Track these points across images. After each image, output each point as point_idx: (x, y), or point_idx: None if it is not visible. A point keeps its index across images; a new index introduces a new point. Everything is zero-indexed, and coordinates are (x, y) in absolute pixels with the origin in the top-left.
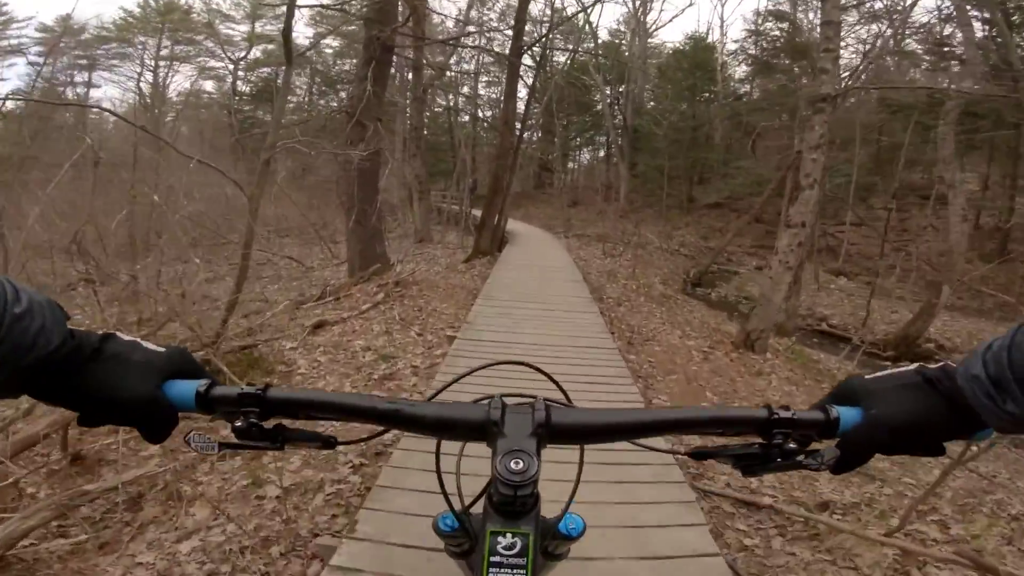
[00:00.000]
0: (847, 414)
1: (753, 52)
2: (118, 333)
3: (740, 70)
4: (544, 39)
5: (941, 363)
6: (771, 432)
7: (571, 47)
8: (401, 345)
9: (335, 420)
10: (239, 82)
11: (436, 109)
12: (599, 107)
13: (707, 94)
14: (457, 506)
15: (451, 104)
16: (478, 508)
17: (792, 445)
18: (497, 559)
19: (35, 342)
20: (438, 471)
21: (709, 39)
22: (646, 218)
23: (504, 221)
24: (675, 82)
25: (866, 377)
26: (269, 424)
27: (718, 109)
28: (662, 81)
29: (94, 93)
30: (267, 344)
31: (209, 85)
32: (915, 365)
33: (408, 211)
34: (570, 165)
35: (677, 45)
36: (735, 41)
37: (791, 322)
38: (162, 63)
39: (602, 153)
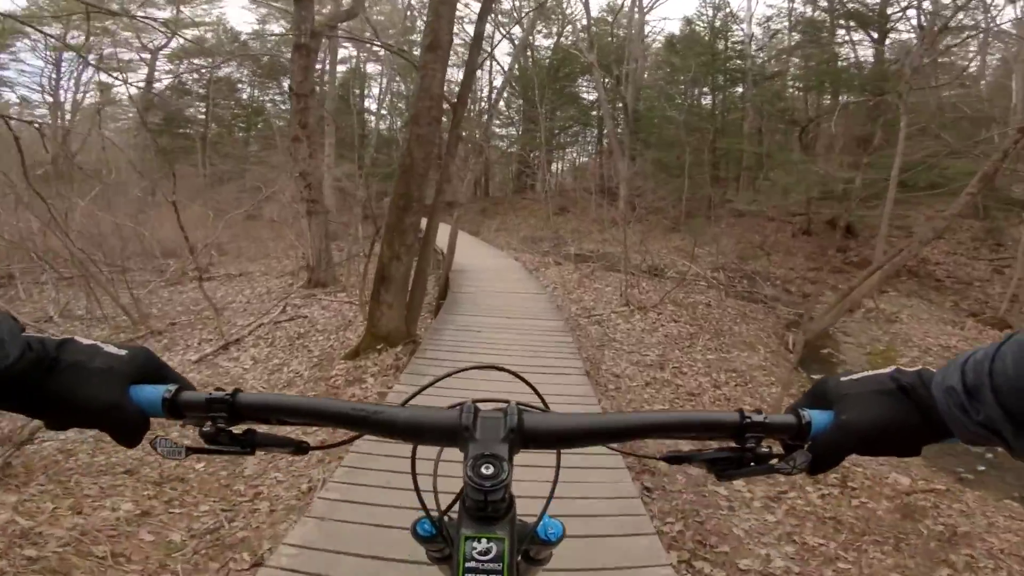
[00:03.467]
0: (819, 418)
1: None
2: (76, 337)
3: (775, 42)
4: None
5: (918, 368)
6: (744, 436)
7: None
8: None
9: (307, 425)
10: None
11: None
12: (589, 96)
13: (729, 73)
14: (434, 512)
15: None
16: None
17: (765, 449)
18: (472, 564)
19: None
20: (414, 477)
21: (732, 5)
22: (653, 227)
23: (447, 249)
24: (692, 55)
25: (842, 379)
26: (239, 429)
27: (749, 91)
28: (671, 56)
29: None
30: None
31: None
32: (891, 368)
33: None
34: (554, 166)
35: (688, 16)
36: (770, 6)
37: None
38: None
39: (592, 149)
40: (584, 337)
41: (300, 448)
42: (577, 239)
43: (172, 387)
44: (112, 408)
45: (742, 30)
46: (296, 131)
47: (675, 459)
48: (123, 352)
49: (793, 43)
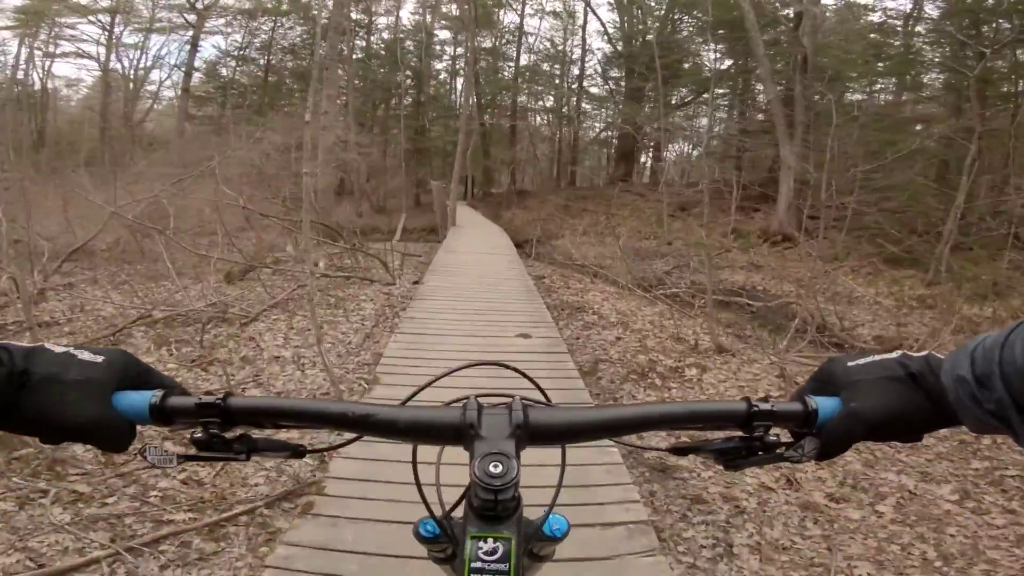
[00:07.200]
0: (826, 405)
1: None
2: (47, 344)
3: None
4: None
5: (925, 353)
6: (752, 425)
7: None
8: None
9: (304, 428)
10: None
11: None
12: (705, 64)
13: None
14: (437, 511)
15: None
16: (459, 512)
17: (773, 437)
18: (479, 564)
19: None
20: (415, 476)
21: None
22: (858, 258)
23: None
24: None
25: (848, 364)
26: (233, 433)
27: None
28: None
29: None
30: None
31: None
32: (898, 354)
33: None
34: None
35: None
36: None
37: None
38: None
39: (721, 128)
40: None
41: (297, 452)
42: (709, 262)
43: (159, 392)
44: (95, 423)
45: None
46: None
47: (681, 450)
48: (100, 358)
49: None
